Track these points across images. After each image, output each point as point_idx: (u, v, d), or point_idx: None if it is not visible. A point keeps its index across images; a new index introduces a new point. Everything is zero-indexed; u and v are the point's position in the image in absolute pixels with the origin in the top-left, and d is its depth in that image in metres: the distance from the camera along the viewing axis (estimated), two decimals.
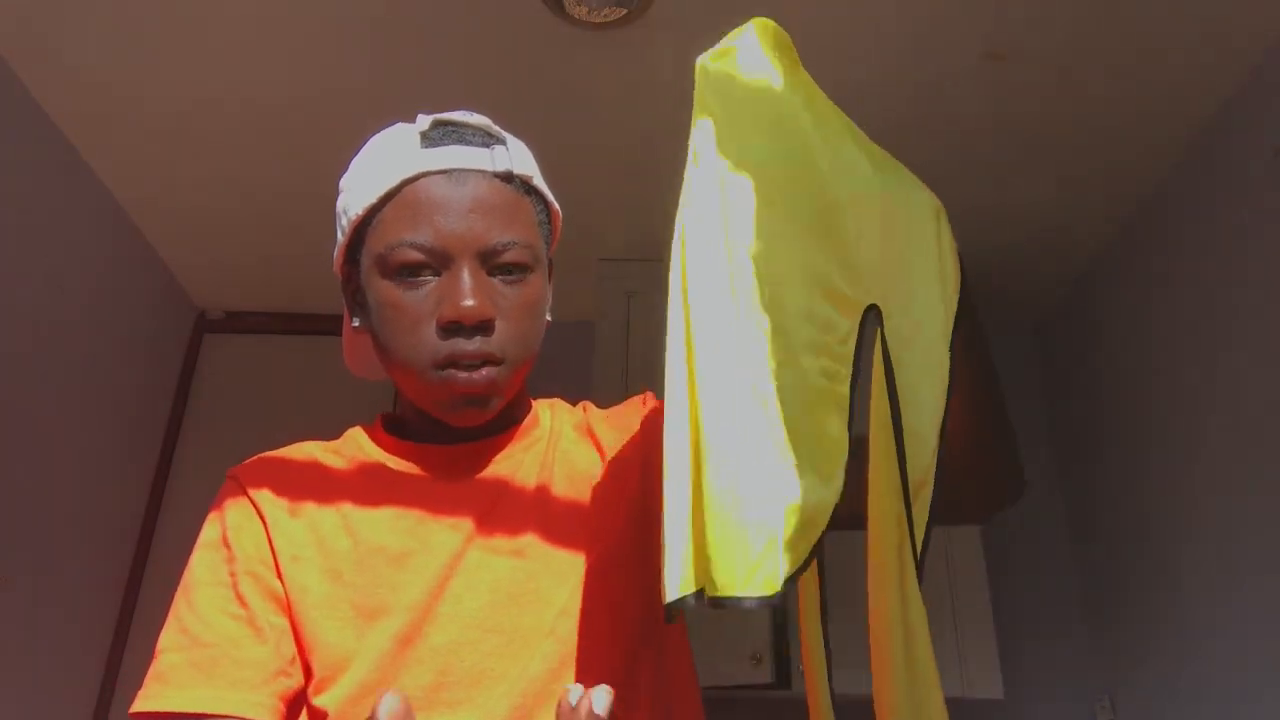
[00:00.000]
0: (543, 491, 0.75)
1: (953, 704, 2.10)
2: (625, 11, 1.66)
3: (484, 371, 0.70)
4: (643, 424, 0.81)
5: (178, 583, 0.73)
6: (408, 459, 0.77)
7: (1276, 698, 1.63)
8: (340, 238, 0.76)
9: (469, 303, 0.68)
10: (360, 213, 0.73)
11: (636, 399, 0.85)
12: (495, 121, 0.79)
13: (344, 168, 0.79)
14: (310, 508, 0.72)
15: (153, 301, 2.43)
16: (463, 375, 0.70)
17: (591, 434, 0.81)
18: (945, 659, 1.99)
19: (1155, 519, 2.07)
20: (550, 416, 0.83)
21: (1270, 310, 1.70)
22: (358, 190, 0.74)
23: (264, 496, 0.73)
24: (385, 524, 0.72)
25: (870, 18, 1.70)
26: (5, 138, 1.83)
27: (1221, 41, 1.72)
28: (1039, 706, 2.22)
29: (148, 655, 0.69)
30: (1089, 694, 2.25)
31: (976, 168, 2.10)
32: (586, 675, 0.66)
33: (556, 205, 0.81)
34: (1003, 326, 2.67)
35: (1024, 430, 2.73)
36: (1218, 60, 1.76)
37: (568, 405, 0.86)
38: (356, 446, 0.79)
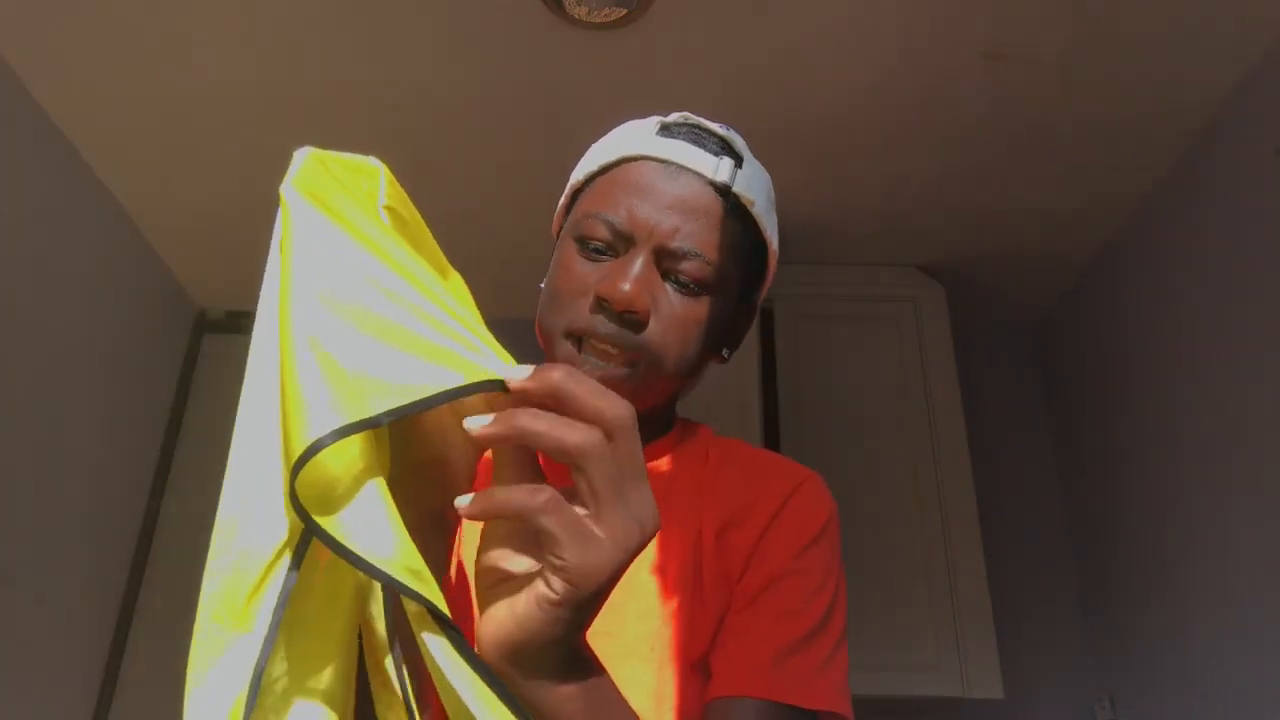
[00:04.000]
0: None
1: (953, 704, 2.12)
2: (625, 11, 1.66)
3: (610, 370, 0.67)
4: (777, 511, 0.72)
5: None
6: None
7: (1277, 698, 1.63)
8: (562, 200, 0.79)
9: (625, 286, 0.66)
10: (580, 179, 0.76)
11: (799, 473, 0.76)
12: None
13: None
14: None
15: (153, 301, 2.43)
16: (586, 362, 0.68)
17: (710, 484, 0.75)
18: (945, 659, 2.00)
19: (1155, 519, 2.07)
20: (687, 448, 0.78)
21: (1270, 309, 1.70)
22: (588, 159, 0.77)
23: None
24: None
25: (870, 18, 1.70)
26: (5, 138, 1.83)
27: (1221, 41, 1.72)
28: (1039, 706, 2.22)
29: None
30: (1089, 694, 2.25)
31: (976, 168, 2.10)
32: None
33: (775, 246, 0.77)
34: (1002, 326, 2.67)
35: (1024, 430, 2.72)
36: (1218, 60, 1.76)
37: (712, 439, 0.80)
38: None
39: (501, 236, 2.27)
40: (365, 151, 0.60)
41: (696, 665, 0.68)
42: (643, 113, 0.82)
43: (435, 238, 0.60)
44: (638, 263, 0.68)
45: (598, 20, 1.68)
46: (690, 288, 0.70)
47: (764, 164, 0.78)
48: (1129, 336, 2.22)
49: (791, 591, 0.69)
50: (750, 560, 0.70)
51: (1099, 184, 2.13)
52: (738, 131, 0.76)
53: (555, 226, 0.80)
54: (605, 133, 0.80)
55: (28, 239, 1.90)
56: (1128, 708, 2.14)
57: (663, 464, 0.77)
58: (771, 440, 2.18)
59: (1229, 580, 1.79)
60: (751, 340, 2.16)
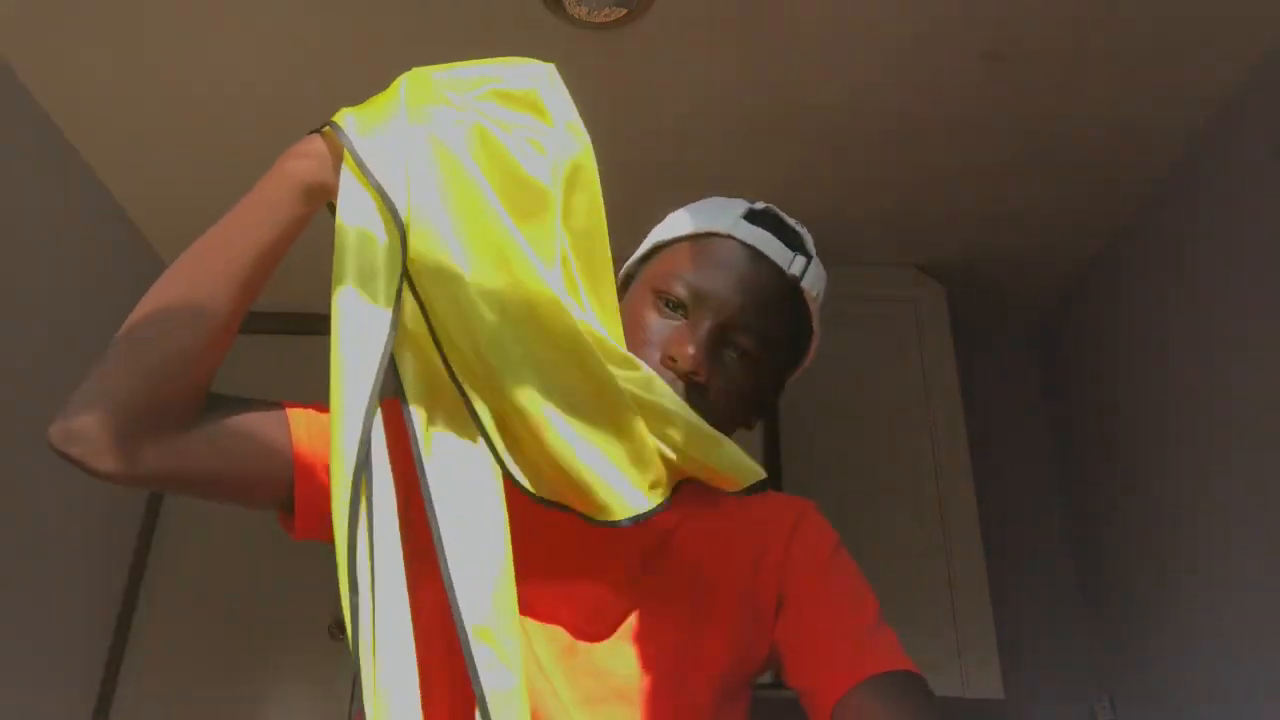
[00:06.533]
0: (674, 558, 0.77)
1: (953, 704, 2.12)
2: (625, 11, 1.66)
3: None
4: (783, 531, 0.81)
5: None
6: None
7: (1276, 698, 1.63)
8: (641, 249, 0.87)
9: (692, 351, 0.75)
10: (668, 238, 0.83)
11: (797, 501, 0.85)
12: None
13: None
14: None
15: None
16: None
17: (734, 530, 0.80)
18: (945, 659, 2.00)
19: (1155, 519, 2.07)
20: (707, 498, 0.81)
21: (1271, 310, 1.70)
22: (677, 222, 0.84)
23: None
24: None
25: (870, 18, 1.70)
26: (5, 138, 1.83)
27: (1221, 41, 1.72)
28: (1039, 706, 2.22)
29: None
30: (1089, 694, 2.25)
31: (976, 168, 2.10)
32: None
33: (817, 341, 0.86)
34: (1003, 327, 2.67)
35: (1025, 430, 2.71)
36: (1218, 60, 1.76)
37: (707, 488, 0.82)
38: None
39: None
40: None
41: (722, 683, 0.74)
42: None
43: None
44: (704, 329, 0.76)
45: (598, 20, 1.68)
46: (745, 360, 0.78)
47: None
48: (1129, 336, 2.22)
49: (844, 586, 0.76)
50: (783, 577, 0.76)
51: (1099, 184, 2.13)
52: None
53: (629, 267, 0.87)
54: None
55: (27, 240, 1.90)
56: (1128, 708, 2.14)
57: (710, 515, 0.80)
58: (771, 440, 2.17)
59: (1229, 580, 1.79)
60: None
